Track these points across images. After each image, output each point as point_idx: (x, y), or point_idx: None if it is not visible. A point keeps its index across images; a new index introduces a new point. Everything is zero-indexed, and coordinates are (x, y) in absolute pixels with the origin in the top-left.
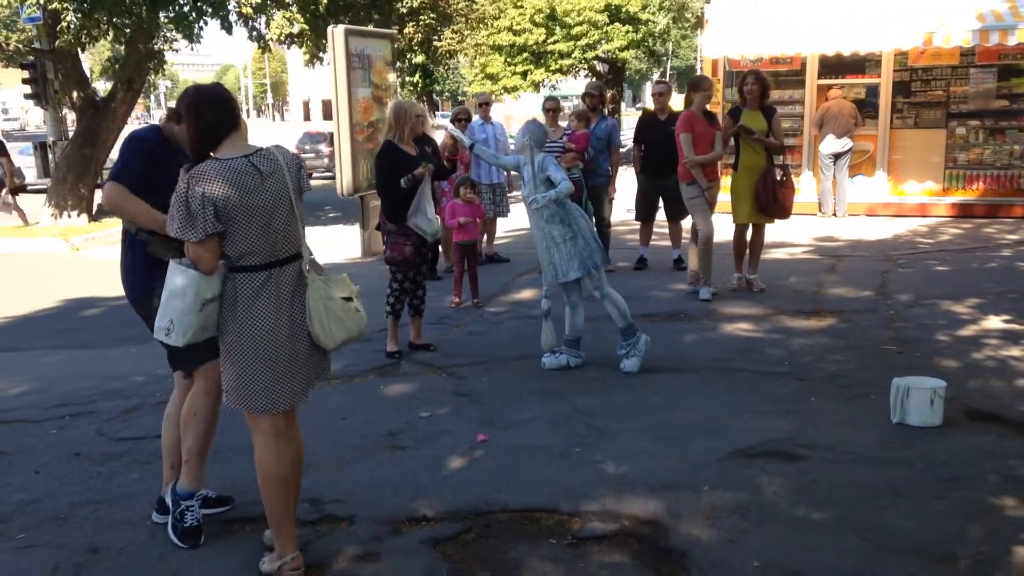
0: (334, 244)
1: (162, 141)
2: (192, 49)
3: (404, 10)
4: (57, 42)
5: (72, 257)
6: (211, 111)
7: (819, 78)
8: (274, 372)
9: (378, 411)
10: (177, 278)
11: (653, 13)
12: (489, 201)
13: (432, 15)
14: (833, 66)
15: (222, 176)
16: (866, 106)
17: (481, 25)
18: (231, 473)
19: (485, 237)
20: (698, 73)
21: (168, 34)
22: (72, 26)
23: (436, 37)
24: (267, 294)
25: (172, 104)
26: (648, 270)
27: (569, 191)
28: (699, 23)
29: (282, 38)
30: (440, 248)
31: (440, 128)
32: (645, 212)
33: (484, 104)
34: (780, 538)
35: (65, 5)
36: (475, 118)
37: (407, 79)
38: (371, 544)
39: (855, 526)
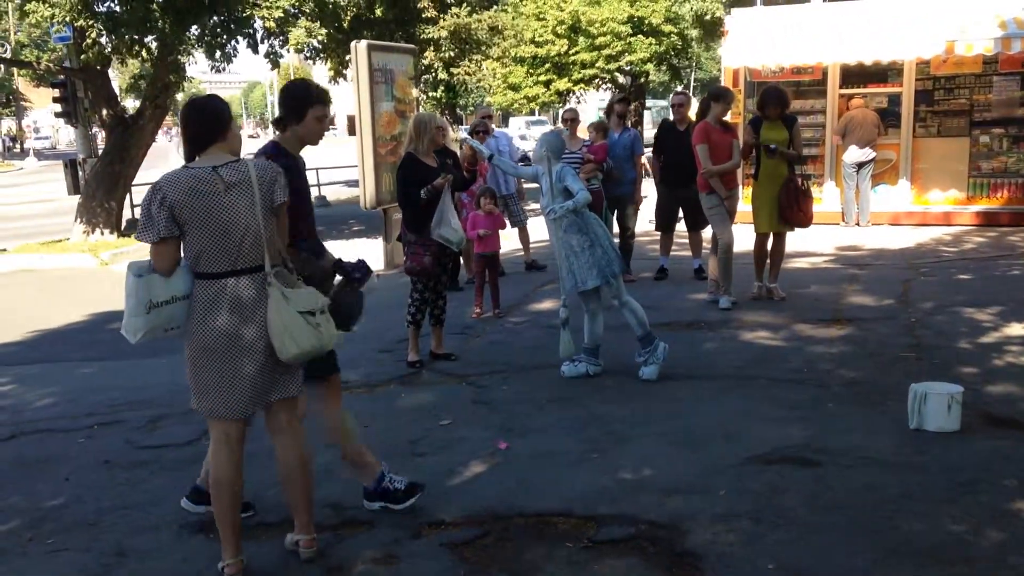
0: (357, 256)
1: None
2: (223, 68)
3: (425, 37)
4: (81, 56)
5: (101, 271)
6: (193, 121)
7: (841, 87)
8: (227, 379)
9: (399, 419)
10: (127, 280)
11: (684, 28)
12: (502, 212)
13: (453, 46)
14: (855, 75)
15: (183, 183)
16: (888, 115)
17: (503, 57)
18: (253, 479)
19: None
20: (719, 84)
21: (190, 49)
22: (96, 43)
23: (455, 65)
24: (223, 302)
25: None
26: (668, 280)
27: (587, 201)
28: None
29: (300, 47)
30: (461, 259)
31: (461, 140)
32: (665, 222)
33: (486, 117)
34: (794, 541)
35: (91, 22)
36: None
37: (430, 94)
38: (391, 547)
39: (869, 529)
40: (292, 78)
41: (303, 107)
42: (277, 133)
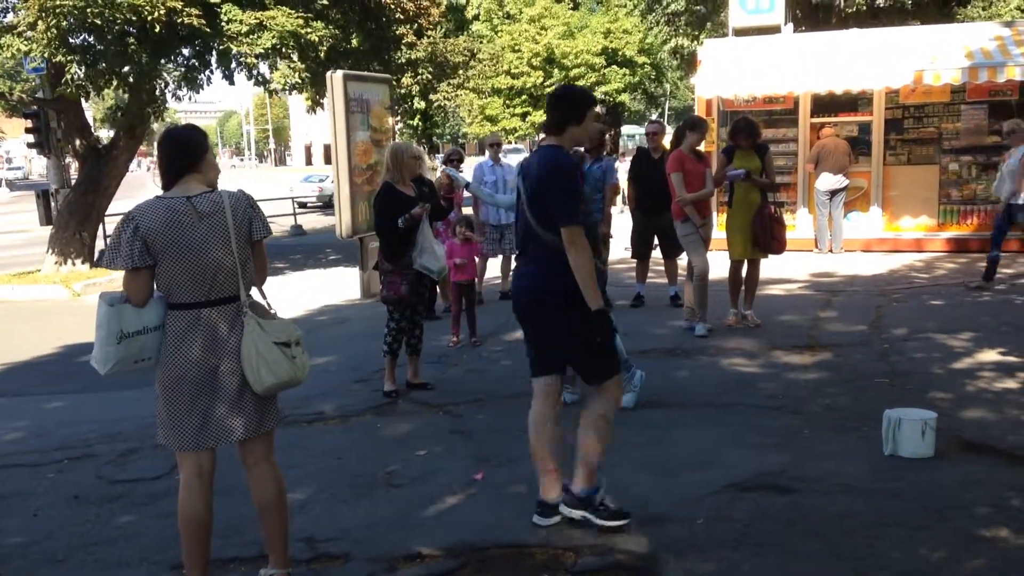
0: (334, 286)
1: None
2: (191, 99)
3: (402, 61)
4: (58, 91)
5: (73, 303)
6: (168, 151)
7: (812, 116)
8: (197, 412)
9: (375, 450)
10: (99, 310)
11: (655, 57)
12: (497, 240)
13: (430, 68)
14: (825, 105)
15: (156, 213)
16: (859, 144)
17: (480, 79)
18: (228, 513)
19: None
20: (694, 113)
21: (168, 80)
22: (76, 78)
23: (433, 89)
24: (196, 333)
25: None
26: (645, 307)
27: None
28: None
29: (286, 87)
30: (438, 288)
31: (435, 169)
32: (640, 249)
33: (494, 145)
34: (772, 569)
35: (69, 58)
36: (485, 158)
37: (408, 122)
38: None
39: (846, 556)
40: (268, 110)
41: (584, 109)
42: (544, 136)
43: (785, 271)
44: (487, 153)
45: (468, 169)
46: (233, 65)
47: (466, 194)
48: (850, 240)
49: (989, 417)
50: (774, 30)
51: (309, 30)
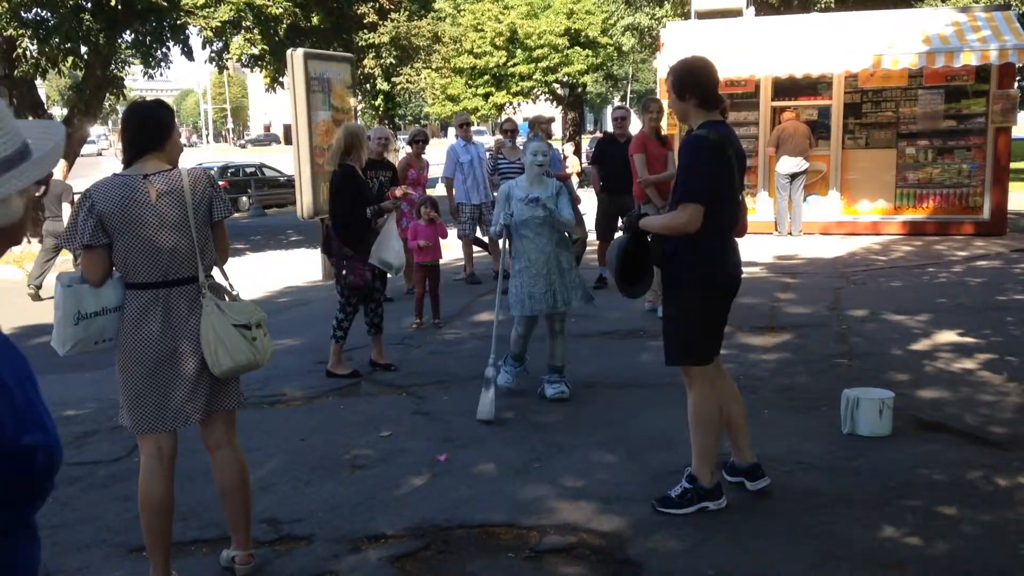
0: (295, 267)
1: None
2: (160, 74)
3: (364, 44)
4: (16, 72)
5: (26, 283)
6: (130, 127)
7: (773, 100)
8: (157, 393)
9: (338, 431)
10: (55, 292)
11: (613, 36)
12: (475, 220)
13: (394, 52)
14: (786, 88)
15: (112, 190)
16: (819, 127)
17: (442, 62)
18: (189, 495)
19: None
20: (655, 95)
21: (126, 58)
22: (29, 53)
23: (395, 72)
24: (155, 313)
25: None
26: (608, 288)
27: (568, 224)
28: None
29: (243, 59)
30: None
31: (395, 151)
32: (605, 231)
33: (464, 125)
34: (734, 547)
35: (21, 31)
36: (456, 139)
37: (370, 102)
38: (330, 563)
39: (806, 534)
40: (226, 88)
41: None
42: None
43: (745, 254)
44: (456, 133)
45: (431, 151)
46: (189, 40)
47: (431, 175)
48: (809, 223)
49: (945, 396)
50: (736, 13)
51: (268, 2)
